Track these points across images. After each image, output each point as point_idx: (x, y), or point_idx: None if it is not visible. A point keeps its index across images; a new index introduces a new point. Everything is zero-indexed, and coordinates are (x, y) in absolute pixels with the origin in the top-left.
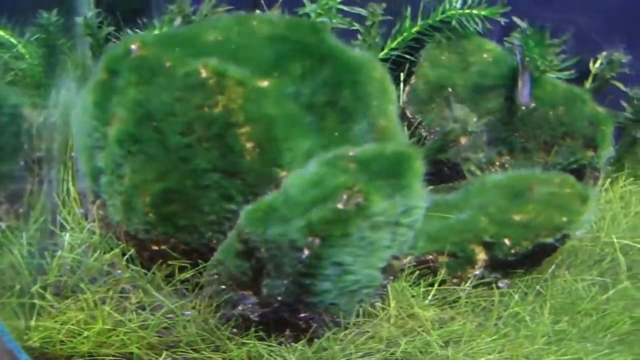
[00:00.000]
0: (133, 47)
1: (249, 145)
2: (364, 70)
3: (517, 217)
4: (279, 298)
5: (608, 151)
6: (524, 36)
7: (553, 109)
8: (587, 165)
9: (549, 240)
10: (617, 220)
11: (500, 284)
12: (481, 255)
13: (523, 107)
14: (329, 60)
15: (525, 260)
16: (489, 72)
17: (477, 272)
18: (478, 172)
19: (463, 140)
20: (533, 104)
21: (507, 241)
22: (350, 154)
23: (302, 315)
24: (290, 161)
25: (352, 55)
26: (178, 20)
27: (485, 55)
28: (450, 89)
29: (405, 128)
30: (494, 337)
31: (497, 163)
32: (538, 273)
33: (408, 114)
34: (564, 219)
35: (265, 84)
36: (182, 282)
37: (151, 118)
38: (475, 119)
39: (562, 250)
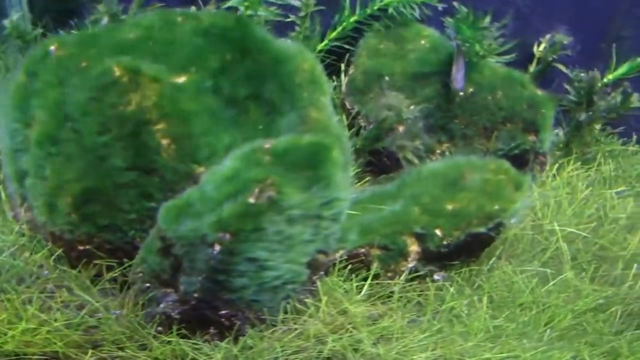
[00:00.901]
0: (51, 48)
1: (164, 142)
2: (292, 61)
3: (449, 206)
4: (196, 295)
5: (550, 135)
6: (456, 20)
7: (492, 93)
8: (530, 150)
9: (481, 229)
10: (562, 207)
11: (436, 277)
12: (414, 247)
13: (461, 93)
14: (253, 52)
15: (460, 251)
16: (427, 59)
17: (410, 265)
18: (416, 161)
19: (400, 128)
20: (471, 90)
21: (438, 232)
22: (266, 146)
23: (223, 312)
24: (209, 156)
25: (279, 47)
26: (105, 20)
27: (423, 42)
28: (387, 78)
29: (344, 119)
30: (427, 334)
31: (438, 151)
32: (477, 265)
33: (347, 104)
34: (496, 206)
35: (182, 79)
36: (110, 281)
37: (68, 119)
38: (412, 107)
39: (503, 240)
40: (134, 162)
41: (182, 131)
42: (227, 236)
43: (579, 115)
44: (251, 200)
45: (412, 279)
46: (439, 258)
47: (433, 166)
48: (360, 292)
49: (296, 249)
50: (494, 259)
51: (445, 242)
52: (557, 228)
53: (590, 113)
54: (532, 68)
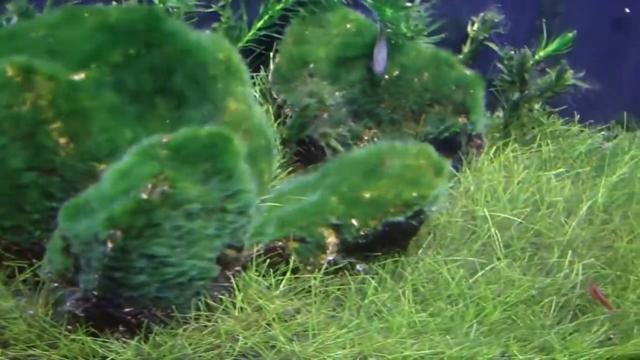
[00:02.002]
0: None
1: (62, 140)
2: (205, 52)
3: (366, 195)
4: (95, 292)
5: (482, 116)
6: (376, 1)
7: (418, 75)
8: (461, 133)
9: (399, 218)
10: (497, 192)
11: (358, 267)
12: (331, 239)
13: (386, 77)
14: (160, 46)
15: (381, 241)
16: (352, 43)
17: (330, 257)
18: (340, 148)
19: (323, 115)
20: (397, 72)
21: (354, 222)
22: (164, 140)
23: (128, 309)
24: (110, 154)
25: (192, 39)
26: (14, 19)
27: (348, 26)
28: (312, 65)
29: (271, 108)
30: (345, 330)
31: (365, 137)
32: (403, 255)
33: (273, 94)
34: (414, 193)
35: (80, 76)
36: (24, 282)
37: None
38: (337, 93)
39: (432, 228)
40: (32, 163)
41: (80, 129)
42: (119, 233)
43: (512, 95)
44: (144, 195)
45: (334, 272)
46: (359, 249)
47: (355, 153)
48: (280, 287)
49: (200, 244)
50: (421, 249)
51: (362, 233)
52: (488, 214)
53: (526, 92)
54: (466, 48)
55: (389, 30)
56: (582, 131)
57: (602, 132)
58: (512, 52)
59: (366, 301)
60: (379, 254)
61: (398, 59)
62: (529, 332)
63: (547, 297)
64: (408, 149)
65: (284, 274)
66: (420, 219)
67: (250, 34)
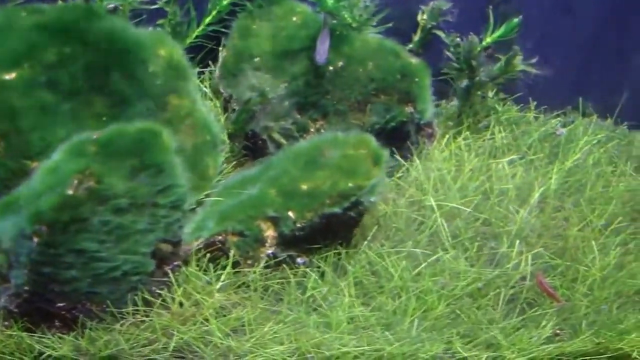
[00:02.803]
0: None
1: None
2: (145, 49)
3: (304, 187)
4: (26, 288)
5: (429, 105)
6: None
7: (362, 65)
8: (409, 122)
9: (336, 209)
10: (447, 181)
11: (299, 261)
12: (270, 232)
13: (331, 68)
14: (96, 44)
15: (321, 234)
16: (297, 35)
17: (269, 251)
18: (283, 141)
19: (264, 108)
20: (341, 63)
21: (291, 214)
22: (94, 137)
23: (61, 304)
24: (42, 151)
25: (130, 36)
26: None
27: (294, 19)
28: (257, 58)
29: (218, 103)
30: (281, 325)
31: (312, 129)
32: (346, 248)
33: (221, 88)
34: (350, 184)
35: (11, 76)
36: None
37: None
38: (282, 85)
39: (379, 219)
40: None
41: (10, 128)
42: (44, 228)
43: (460, 82)
44: (69, 191)
45: (276, 265)
46: (298, 242)
47: (299, 145)
48: (219, 281)
49: (131, 239)
50: (366, 241)
51: (299, 225)
52: (434, 204)
53: (477, 79)
54: (416, 37)
55: (334, 21)
56: (537, 118)
57: (559, 118)
58: (459, 39)
59: (307, 295)
60: (321, 246)
61: (343, 49)
62: (473, 327)
63: (494, 289)
64: (348, 139)
65: (225, 268)
66: (359, 210)
67: (199, 29)
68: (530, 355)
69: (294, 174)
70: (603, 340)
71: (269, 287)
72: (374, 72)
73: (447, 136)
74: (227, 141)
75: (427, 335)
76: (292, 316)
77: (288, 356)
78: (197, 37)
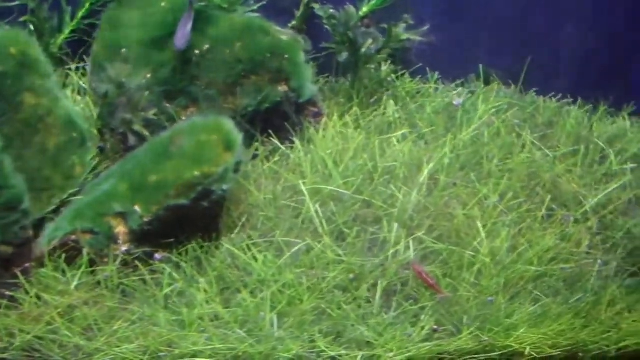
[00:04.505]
0: None
1: None
2: None
3: (152, 179)
4: None
5: (306, 82)
6: None
7: (230, 46)
8: (285, 102)
9: (182, 201)
10: (328, 163)
11: (157, 256)
12: (121, 228)
13: (197, 52)
14: None
15: (175, 227)
16: (166, 21)
17: (124, 247)
18: (145, 133)
19: (122, 100)
20: (207, 46)
21: (137, 209)
22: None
23: None
24: None
25: None
26: None
27: (163, 4)
28: (124, 49)
29: (90, 99)
30: (130, 323)
31: (184, 118)
32: (208, 240)
33: (92, 83)
34: (196, 173)
35: None
36: None
37: None
38: (148, 75)
39: (249, 207)
40: None
41: None
42: None
43: (340, 56)
44: None
45: (136, 262)
46: (152, 237)
47: (161, 135)
48: (74, 281)
49: None
50: (234, 232)
51: (145, 220)
52: (305, 189)
53: (362, 52)
54: (298, 13)
55: (201, 3)
56: (437, 89)
57: (459, 89)
58: (332, 10)
59: (164, 292)
60: (183, 240)
61: (209, 32)
62: (341, 323)
63: (369, 280)
64: (203, 125)
65: (81, 267)
66: (212, 200)
67: (73, 24)
68: (408, 355)
69: (145, 166)
70: (486, 339)
71: (124, 284)
72: (241, 52)
73: (336, 114)
74: (98, 137)
75: (287, 333)
76: (144, 314)
77: (139, 355)
78: (71, 31)
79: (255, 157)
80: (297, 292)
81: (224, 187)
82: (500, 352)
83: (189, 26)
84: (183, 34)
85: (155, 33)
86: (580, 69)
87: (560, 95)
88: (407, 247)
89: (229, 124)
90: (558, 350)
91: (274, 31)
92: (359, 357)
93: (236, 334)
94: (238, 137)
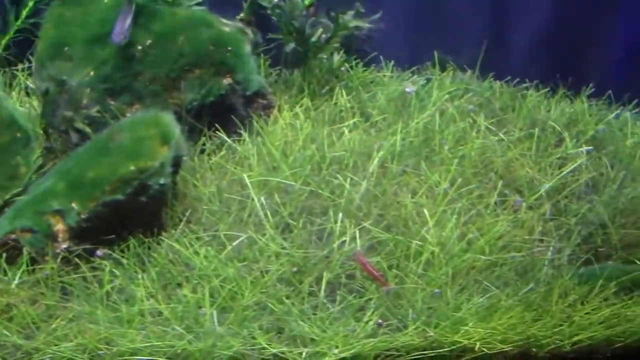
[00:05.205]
0: None
1: None
2: None
3: (90, 175)
4: None
5: (253, 74)
6: None
7: (172, 40)
8: (230, 95)
9: (118, 196)
10: (276, 155)
11: (98, 253)
12: (60, 226)
13: (139, 47)
14: None
15: (114, 223)
16: (108, 18)
17: (64, 245)
18: (87, 130)
19: (63, 98)
20: (149, 41)
21: (74, 206)
22: None
23: None
24: None
25: None
26: None
27: (106, 1)
28: (67, 47)
29: (36, 99)
30: (69, 322)
31: (129, 114)
32: (151, 236)
33: (37, 82)
34: (132, 167)
35: None
36: None
37: None
38: (92, 73)
39: (193, 202)
40: None
41: None
42: None
43: (287, 46)
44: None
45: (78, 259)
46: (92, 234)
47: (101, 133)
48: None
49: None
50: (178, 227)
51: (83, 216)
52: (248, 182)
53: (312, 41)
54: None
55: None
56: (392, 77)
57: (415, 77)
58: (277, 0)
59: (105, 289)
60: (125, 236)
61: (151, 26)
62: (283, 318)
63: (311, 274)
64: (143, 119)
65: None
66: (150, 195)
67: (18, 23)
68: (353, 351)
69: (84, 163)
70: (432, 334)
71: (64, 282)
72: (184, 46)
73: (287, 106)
74: (44, 137)
75: (228, 329)
76: (83, 311)
77: (78, 354)
78: (18, 31)
79: (202, 151)
80: (238, 287)
81: (162, 181)
82: (449, 348)
83: (128, 21)
84: (121, 30)
85: (98, 30)
86: (538, 53)
87: (518, 79)
88: (354, 238)
89: (167, 118)
90: (510, 345)
91: (217, 24)
92: (304, 354)
93: (174, 331)
94: (175, 131)
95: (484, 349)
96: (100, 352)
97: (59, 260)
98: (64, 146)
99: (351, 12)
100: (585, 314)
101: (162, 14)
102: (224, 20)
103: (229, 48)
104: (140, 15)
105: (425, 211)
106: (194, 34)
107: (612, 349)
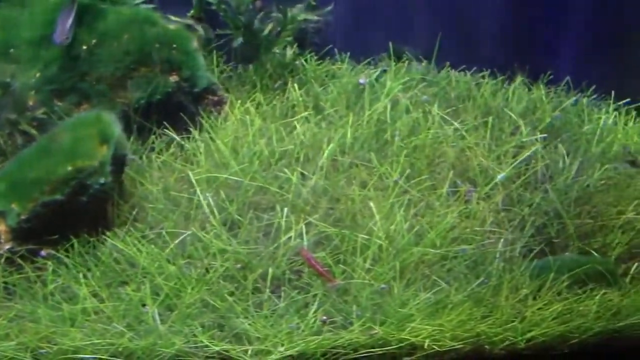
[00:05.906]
0: None
1: None
2: None
3: (30, 176)
4: None
5: (201, 71)
6: None
7: (117, 39)
8: (178, 92)
9: (57, 197)
10: (224, 151)
11: (42, 253)
12: (2, 227)
13: (84, 47)
14: None
15: (56, 223)
16: (53, 19)
17: (7, 246)
18: (34, 132)
19: (7, 100)
20: (94, 40)
21: (14, 206)
22: None
23: None
24: None
25: None
26: None
27: (52, 2)
28: (13, 50)
29: None
30: (10, 321)
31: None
32: (95, 235)
33: None
34: (69, 167)
35: None
36: None
37: None
38: (37, 74)
39: (139, 201)
40: None
41: None
42: None
43: (235, 42)
44: None
45: (21, 259)
46: (34, 234)
47: (46, 134)
48: None
49: None
50: (125, 226)
51: (23, 217)
52: (193, 179)
53: (262, 35)
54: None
55: None
56: (348, 70)
57: (370, 68)
58: None
59: (49, 288)
60: (70, 236)
61: (96, 26)
62: (226, 316)
63: (258, 269)
64: (84, 119)
65: None
66: (91, 194)
67: None
68: (297, 349)
69: (26, 164)
70: (377, 331)
71: (8, 283)
72: (129, 45)
73: (239, 101)
74: None
75: (169, 326)
76: (24, 310)
77: (20, 352)
78: None
79: (152, 150)
80: (181, 284)
81: (102, 180)
82: (397, 346)
83: (70, 21)
84: (63, 30)
85: (44, 31)
86: (495, 41)
87: (475, 68)
88: (301, 234)
89: (107, 118)
90: (460, 342)
91: (161, 22)
92: (249, 352)
93: (116, 329)
94: (116, 130)
95: (434, 347)
96: (42, 350)
97: (2, 260)
98: (12, 148)
99: (301, 6)
100: (537, 309)
101: (107, 13)
102: (173, 18)
103: (174, 45)
104: (85, 14)
105: (372, 204)
106: (138, 32)
107: (569, 345)
